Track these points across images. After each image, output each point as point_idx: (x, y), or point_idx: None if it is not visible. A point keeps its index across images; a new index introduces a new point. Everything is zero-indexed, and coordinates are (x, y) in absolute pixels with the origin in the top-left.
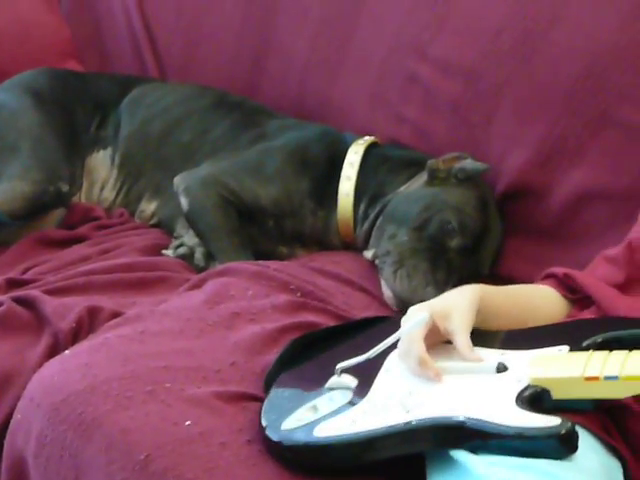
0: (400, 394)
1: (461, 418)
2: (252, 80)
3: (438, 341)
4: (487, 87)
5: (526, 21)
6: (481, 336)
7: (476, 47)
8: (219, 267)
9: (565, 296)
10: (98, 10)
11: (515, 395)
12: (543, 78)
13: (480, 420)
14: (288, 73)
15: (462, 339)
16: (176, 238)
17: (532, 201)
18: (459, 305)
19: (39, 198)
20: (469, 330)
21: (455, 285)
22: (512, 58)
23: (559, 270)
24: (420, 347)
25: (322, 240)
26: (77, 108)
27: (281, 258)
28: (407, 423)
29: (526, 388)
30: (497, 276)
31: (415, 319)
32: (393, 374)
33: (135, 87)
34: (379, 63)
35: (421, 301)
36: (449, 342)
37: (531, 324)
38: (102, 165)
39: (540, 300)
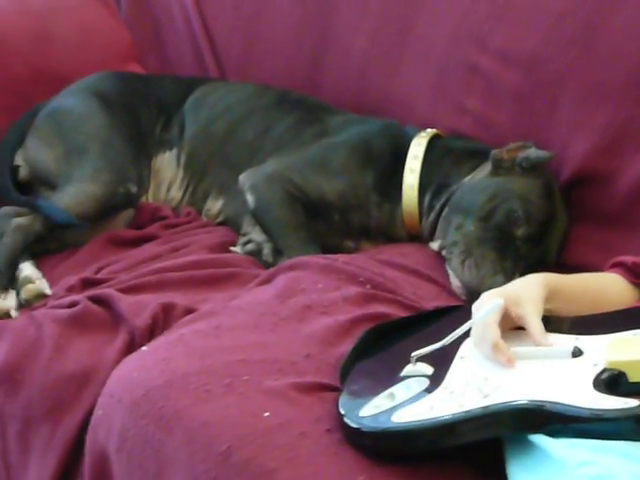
0: (476, 380)
1: (540, 402)
2: (312, 77)
3: (509, 327)
4: (549, 75)
5: (587, 7)
6: (552, 322)
7: (537, 35)
8: (288, 262)
9: (635, 283)
10: (157, 12)
11: (592, 379)
12: (606, 64)
13: (559, 403)
14: (348, 69)
15: (535, 324)
16: (243, 235)
17: (598, 188)
18: (530, 291)
19: (109, 200)
20: (540, 315)
21: (522, 274)
22: (574, 45)
23: (628, 259)
24: (494, 332)
25: (388, 233)
26: (142, 110)
27: (348, 252)
28: (485, 408)
29: (603, 371)
30: (563, 264)
31: (490, 305)
32: (468, 361)
33: (197, 88)
34: (439, 55)
35: (489, 290)
36: (520, 329)
37: (601, 311)
38: (168, 166)
39: (610, 287)
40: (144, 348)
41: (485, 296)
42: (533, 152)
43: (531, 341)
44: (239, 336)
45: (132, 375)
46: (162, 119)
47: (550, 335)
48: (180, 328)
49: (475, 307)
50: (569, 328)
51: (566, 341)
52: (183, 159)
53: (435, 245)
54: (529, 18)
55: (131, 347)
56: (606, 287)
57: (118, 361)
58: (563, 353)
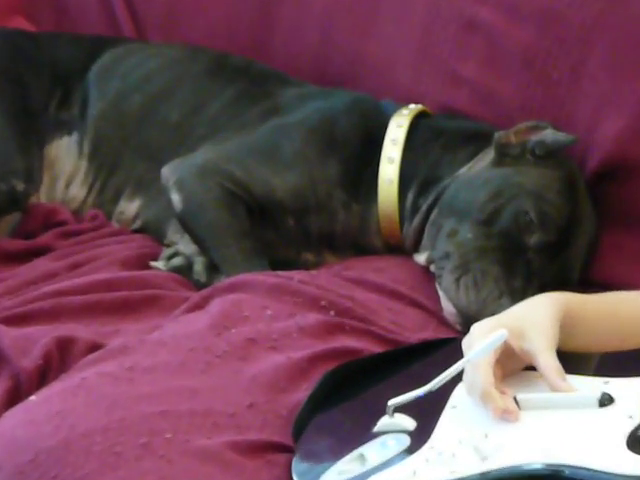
0: (473, 437)
1: (558, 465)
2: (259, 36)
3: (518, 367)
4: (570, 33)
5: None
6: (571, 360)
7: None
8: (226, 281)
9: None
10: None
11: (626, 435)
12: None
13: (583, 467)
14: (306, 25)
15: (547, 361)
16: (168, 246)
17: (634, 181)
18: (537, 318)
19: None
20: (554, 349)
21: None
22: None
23: None
24: (484, 376)
25: (359, 242)
26: (31, 81)
27: (306, 267)
28: (484, 474)
29: None
30: (590, 281)
31: (484, 340)
32: (462, 412)
33: (105, 51)
34: (426, 7)
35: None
36: (532, 368)
37: (636, 341)
38: (67, 155)
39: None
40: (33, 397)
41: (477, 327)
42: (549, 134)
43: (544, 385)
44: (160, 380)
45: (15, 434)
46: (58, 93)
47: (570, 377)
48: (81, 370)
49: (466, 343)
50: (595, 368)
51: (591, 385)
52: (87, 146)
53: (421, 258)
54: None
55: (16, 396)
56: None
57: None
58: (587, 401)
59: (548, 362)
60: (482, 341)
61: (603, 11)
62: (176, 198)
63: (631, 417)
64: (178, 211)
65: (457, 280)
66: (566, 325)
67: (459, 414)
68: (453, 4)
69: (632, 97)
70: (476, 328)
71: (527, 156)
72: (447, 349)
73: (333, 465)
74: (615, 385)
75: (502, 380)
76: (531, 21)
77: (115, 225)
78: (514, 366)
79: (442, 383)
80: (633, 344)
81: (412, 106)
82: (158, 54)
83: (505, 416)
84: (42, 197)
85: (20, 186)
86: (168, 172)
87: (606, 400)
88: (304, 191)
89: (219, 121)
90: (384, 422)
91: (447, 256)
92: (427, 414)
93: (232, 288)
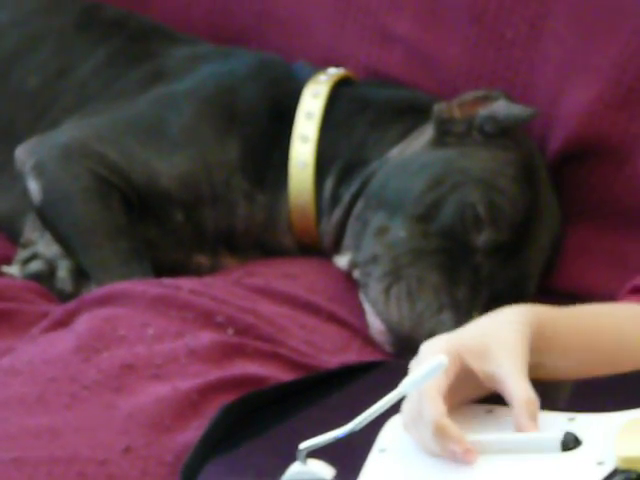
0: None
1: None
2: None
3: (471, 396)
4: None
5: None
6: (540, 391)
7: None
8: (97, 291)
9: None
10: None
11: None
12: None
13: None
14: None
15: (518, 387)
16: (24, 247)
17: (605, 166)
18: (504, 335)
19: None
20: (525, 373)
21: (486, 310)
22: None
23: None
24: (436, 408)
25: (265, 241)
26: None
27: (200, 272)
28: None
29: (613, 474)
30: (551, 290)
31: (431, 362)
32: (394, 456)
33: None
34: None
35: (431, 337)
36: (486, 402)
37: (616, 365)
38: None
39: (628, 325)
40: None
41: (428, 347)
42: (502, 107)
43: (494, 421)
44: (12, 418)
45: None
46: None
47: None
48: None
49: (414, 367)
50: (562, 400)
51: (553, 423)
52: None
53: (342, 261)
54: None
55: None
56: (623, 326)
57: None
58: (548, 443)
59: (519, 389)
60: (419, 368)
61: None
62: (34, 187)
63: (601, 463)
64: (37, 203)
65: (387, 290)
66: (538, 346)
67: (390, 459)
68: None
69: (605, 61)
70: (427, 348)
71: (474, 134)
72: (374, 376)
73: None
74: (582, 423)
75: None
76: None
77: None
78: (466, 394)
79: (369, 420)
80: (612, 369)
81: (332, 70)
82: (9, 3)
83: (465, 458)
84: None
85: None
86: (24, 154)
87: (571, 442)
88: (196, 178)
89: (89, 89)
90: (295, 470)
91: (375, 259)
92: (349, 460)
93: (105, 300)
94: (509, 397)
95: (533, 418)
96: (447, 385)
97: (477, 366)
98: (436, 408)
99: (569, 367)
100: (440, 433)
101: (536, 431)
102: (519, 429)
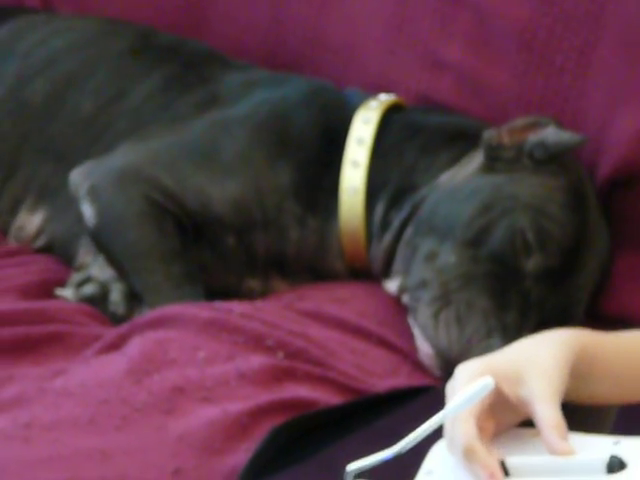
0: None
1: None
2: (194, 8)
3: (516, 421)
4: (578, 8)
5: None
6: (580, 414)
7: None
8: (149, 314)
9: None
10: None
11: None
12: None
13: None
14: None
15: (546, 411)
16: (78, 270)
17: None
18: (539, 359)
19: None
20: (558, 399)
21: (534, 333)
22: None
23: None
24: (467, 430)
25: (316, 265)
26: None
27: (251, 296)
28: None
29: None
30: (600, 316)
31: (466, 389)
32: (440, 478)
33: (2, 24)
34: None
35: None
36: (531, 423)
37: None
38: None
39: None
40: None
41: (463, 370)
42: (552, 133)
43: (542, 445)
44: (64, 440)
45: None
46: None
47: (574, 436)
48: None
49: (449, 390)
50: (607, 425)
51: (598, 446)
52: None
53: (392, 286)
54: None
55: None
56: None
57: None
58: (593, 466)
59: (547, 413)
60: (464, 390)
61: None
62: (88, 210)
63: None
64: (91, 227)
65: (436, 314)
66: (581, 370)
67: None
68: None
69: None
70: (462, 371)
71: (524, 160)
72: (422, 400)
73: None
74: (627, 446)
75: (492, 437)
76: None
77: (12, 243)
78: (511, 419)
79: (415, 443)
80: None
81: (382, 97)
82: (68, 29)
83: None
84: None
85: None
86: (79, 177)
87: (616, 465)
88: (248, 203)
89: (143, 113)
90: None
91: (424, 284)
92: None
93: (156, 323)
94: (536, 420)
95: (563, 439)
96: (481, 408)
97: (509, 389)
98: (467, 431)
99: (612, 392)
100: (469, 456)
101: (569, 451)
102: (551, 452)
